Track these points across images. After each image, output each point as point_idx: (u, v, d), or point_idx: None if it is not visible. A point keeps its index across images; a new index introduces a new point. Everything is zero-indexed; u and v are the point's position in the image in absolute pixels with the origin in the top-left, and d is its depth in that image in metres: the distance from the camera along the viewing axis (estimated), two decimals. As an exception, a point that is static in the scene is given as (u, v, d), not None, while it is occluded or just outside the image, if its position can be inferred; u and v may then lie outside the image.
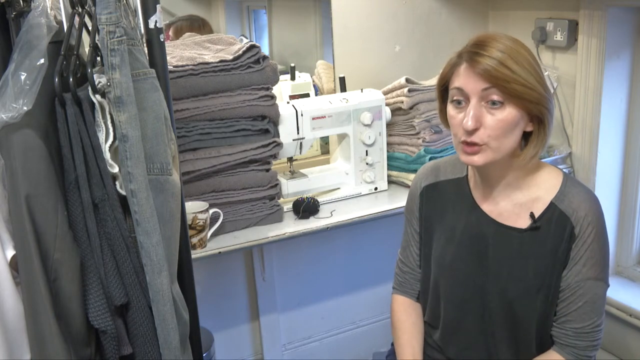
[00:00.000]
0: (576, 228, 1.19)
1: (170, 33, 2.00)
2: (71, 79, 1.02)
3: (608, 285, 1.24)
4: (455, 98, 1.18)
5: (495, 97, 1.13)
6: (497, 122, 1.13)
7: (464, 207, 1.32)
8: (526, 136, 1.20)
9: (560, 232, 1.21)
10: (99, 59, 1.12)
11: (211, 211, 1.59)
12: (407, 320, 1.42)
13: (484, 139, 1.15)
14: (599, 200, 1.24)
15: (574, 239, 1.20)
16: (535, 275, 1.23)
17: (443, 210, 1.35)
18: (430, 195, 1.38)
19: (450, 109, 1.19)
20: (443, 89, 1.24)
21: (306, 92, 2.10)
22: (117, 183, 1.07)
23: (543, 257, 1.22)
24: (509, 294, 1.25)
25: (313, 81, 2.16)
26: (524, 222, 1.24)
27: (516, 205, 1.25)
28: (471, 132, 1.14)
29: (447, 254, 1.32)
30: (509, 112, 1.13)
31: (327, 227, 1.72)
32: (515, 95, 1.12)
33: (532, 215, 1.23)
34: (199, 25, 2.04)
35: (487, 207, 1.28)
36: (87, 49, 1.11)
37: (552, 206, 1.22)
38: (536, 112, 1.16)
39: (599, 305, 1.23)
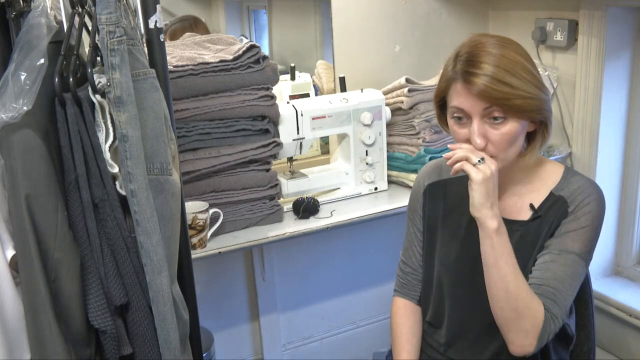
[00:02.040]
0: (570, 207, 1.21)
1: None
2: (71, 79, 1.02)
3: (586, 272, 1.23)
4: (455, 115, 1.18)
5: (496, 114, 1.13)
6: (502, 135, 1.14)
7: (467, 205, 1.31)
8: (528, 134, 1.21)
9: (556, 213, 1.22)
10: (99, 59, 1.12)
11: (211, 211, 1.59)
12: (405, 323, 1.42)
13: (492, 153, 1.16)
14: (602, 190, 1.24)
15: (566, 216, 1.21)
16: (534, 263, 1.23)
17: (446, 208, 1.36)
18: (433, 193, 1.38)
19: (452, 124, 1.20)
20: (441, 103, 1.24)
21: (306, 92, 2.10)
22: (117, 183, 1.07)
23: (542, 242, 1.23)
24: None
25: (313, 81, 2.16)
26: (526, 214, 1.26)
27: (519, 199, 1.27)
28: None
29: (452, 252, 1.32)
30: (512, 125, 1.14)
31: (327, 227, 1.72)
32: (516, 109, 1.13)
33: (532, 206, 1.24)
34: (191, 25, 2.05)
35: None
36: (87, 49, 1.11)
37: (551, 195, 1.24)
38: (539, 117, 1.17)
39: (574, 287, 1.19)
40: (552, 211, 1.23)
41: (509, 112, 1.13)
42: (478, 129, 1.14)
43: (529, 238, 1.24)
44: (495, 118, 1.14)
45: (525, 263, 1.24)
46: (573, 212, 1.20)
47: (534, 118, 1.16)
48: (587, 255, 1.22)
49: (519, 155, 1.21)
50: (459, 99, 1.16)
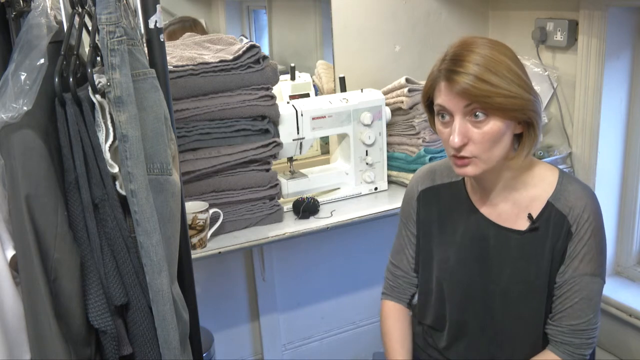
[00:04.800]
0: (573, 226, 1.20)
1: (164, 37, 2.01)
2: (71, 79, 1.02)
3: (604, 282, 1.24)
4: (440, 112, 1.18)
5: (477, 112, 1.12)
6: (483, 135, 1.13)
7: (462, 210, 1.32)
8: (518, 136, 1.20)
9: (558, 231, 1.21)
10: (99, 59, 1.12)
11: (211, 211, 1.59)
12: (397, 326, 1.42)
13: (473, 153, 1.15)
14: (597, 196, 1.24)
15: (570, 237, 1.20)
16: (537, 276, 1.23)
17: (441, 214, 1.35)
18: (427, 199, 1.37)
19: (438, 124, 1.19)
20: (429, 102, 1.23)
21: (306, 92, 2.10)
22: (117, 183, 1.07)
23: (543, 257, 1.22)
24: (512, 295, 1.25)
25: (313, 81, 2.16)
26: (523, 223, 1.24)
27: (514, 206, 1.25)
28: (459, 148, 1.15)
29: (449, 257, 1.32)
30: (493, 124, 1.13)
31: (327, 227, 1.72)
32: (497, 108, 1.11)
33: (530, 216, 1.23)
34: (190, 26, 2.05)
35: (486, 210, 1.28)
36: (87, 49, 1.11)
37: (549, 205, 1.22)
38: (523, 118, 1.15)
39: (595, 302, 1.23)
40: (552, 226, 1.21)
41: (491, 110, 1.12)
42: (459, 127, 1.13)
43: (528, 249, 1.24)
44: (476, 116, 1.13)
45: (525, 276, 1.24)
46: (577, 232, 1.20)
47: (518, 118, 1.15)
48: (599, 269, 1.22)
49: (508, 158, 1.19)
50: (441, 97, 1.15)
